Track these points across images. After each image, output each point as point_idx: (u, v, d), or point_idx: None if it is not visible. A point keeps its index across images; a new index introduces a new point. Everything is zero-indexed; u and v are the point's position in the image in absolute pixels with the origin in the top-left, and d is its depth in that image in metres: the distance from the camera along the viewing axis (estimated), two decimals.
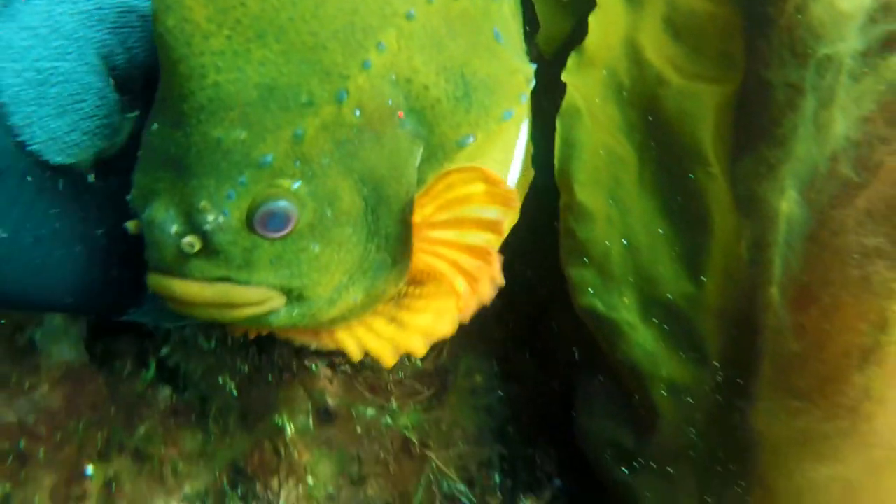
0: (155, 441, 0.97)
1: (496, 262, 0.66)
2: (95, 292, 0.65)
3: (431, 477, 0.94)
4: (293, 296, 0.59)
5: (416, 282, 0.69)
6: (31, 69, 0.58)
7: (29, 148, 0.59)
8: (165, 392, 0.98)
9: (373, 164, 0.59)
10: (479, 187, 0.63)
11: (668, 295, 0.83)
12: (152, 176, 0.56)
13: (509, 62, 0.73)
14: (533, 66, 0.75)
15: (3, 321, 0.92)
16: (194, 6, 0.53)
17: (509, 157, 0.78)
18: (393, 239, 0.62)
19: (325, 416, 0.95)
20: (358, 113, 0.58)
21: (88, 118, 0.61)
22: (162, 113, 0.57)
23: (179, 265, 0.56)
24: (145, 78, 0.64)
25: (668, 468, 0.88)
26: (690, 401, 0.85)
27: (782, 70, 0.76)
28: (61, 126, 0.60)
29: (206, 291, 0.57)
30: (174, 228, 0.55)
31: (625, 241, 0.84)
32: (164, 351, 0.96)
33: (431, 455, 0.91)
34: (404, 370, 0.97)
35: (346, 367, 1.00)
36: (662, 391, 0.85)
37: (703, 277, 0.81)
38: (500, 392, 1.01)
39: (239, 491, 1.00)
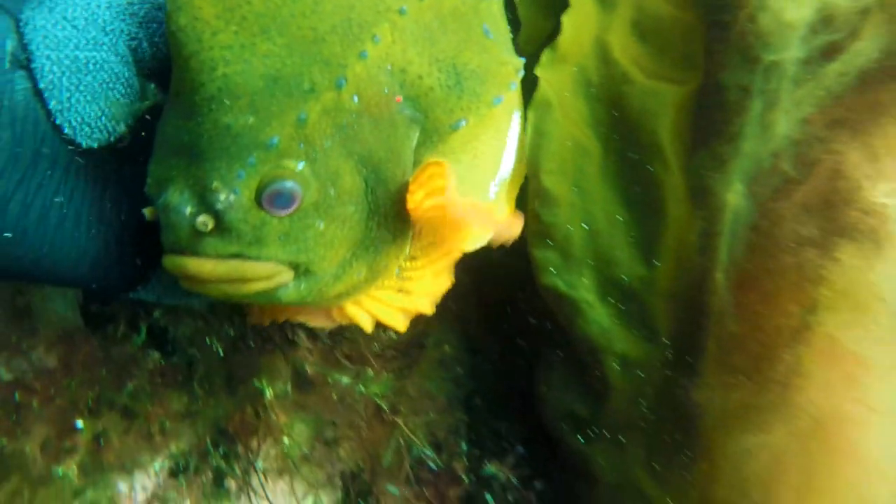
0: (143, 401, 1.03)
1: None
2: (110, 270, 0.69)
3: (401, 441, 1.00)
4: (301, 270, 0.63)
5: (413, 257, 0.75)
6: (69, 57, 0.62)
7: (63, 132, 0.63)
8: (155, 355, 1.03)
9: (371, 146, 0.64)
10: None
11: (623, 276, 0.89)
12: (166, 165, 0.60)
13: (498, 55, 0.79)
14: (522, 60, 0.82)
15: None
16: (203, 5, 0.58)
17: (502, 144, 0.84)
18: (392, 217, 0.67)
19: (303, 382, 1.01)
20: (356, 99, 0.63)
21: (116, 105, 0.65)
22: (175, 106, 0.61)
23: (194, 244, 0.60)
24: (165, 71, 0.67)
25: (620, 437, 0.95)
26: (641, 375, 0.91)
27: (734, 73, 0.82)
28: (92, 112, 0.64)
29: (219, 268, 0.61)
30: (188, 210, 0.59)
31: (586, 226, 0.90)
32: (155, 315, 1.01)
33: (400, 421, 0.97)
34: (380, 342, 1.04)
35: (326, 339, 1.06)
36: (616, 365, 0.92)
37: (656, 262, 0.88)
38: (469, 365, 1.07)
39: (221, 450, 1.06)
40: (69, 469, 0.96)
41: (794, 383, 0.77)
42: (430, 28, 0.71)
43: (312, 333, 1.06)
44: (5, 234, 0.62)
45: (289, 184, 0.59)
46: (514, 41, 0.89)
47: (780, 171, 0.80)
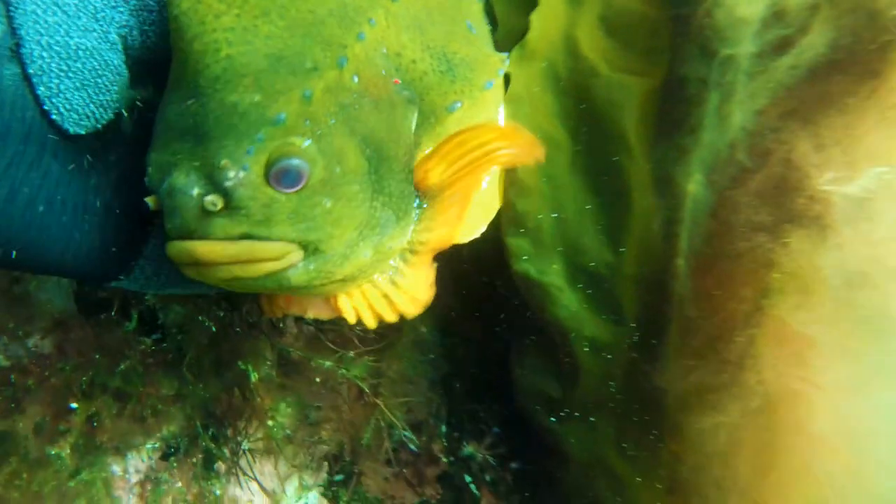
0: (136, 385, 1.07)
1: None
2: (92, 259, 0.69)
3: (382, 423, 1.04)
4: (310, 249, 0.63)
5: (411, 250, 0.75)
6: (58, 44, 0.62)
7: (51, 118, 0.63)
8: (146, 341, 1.08)
9: (373, 126, 0.65)
10: (491, 133, 0.73)
11: (591, 263, 0.93)
12: (170, 150, 0.60)
13: (483, 49, 0.82)
14: (504, 54, 0.85)
15: None
16: None
17: None
18: (396, 197, 0.67)
19: (287, 366, 1.06)
20: (356, 79, 0.64)
21: (104, 92, 0.65)
22: (176, 91, 0.61)
23: (202, 226, 0.59)
24: (154, 60, 0.68)
25: (590, 417, 0.99)
26: (610, 357, 0.95)
27: (694, 66, 0.86)
28: (80, 98, 0.64)
29: (228, 249, 0.60)
30: (196, 191, 0.58)
31: (555, 215, 0.94)
32: (146, 303, 1.06)
33: (381, 403, 1.01)
34: (361, 327, 1.08)
35: (311, 325, 1.10)
36: (585, 348, 0.96)
37: (622, 248, 0.91)
38: (447, 349, 1.11)
39: (210, 433, 1.10)
40: (63, 450, 1.00)
41: (747, 364, 0.80)
42: (419, 18, 0.73)
43: (296, 319, 1.10)
44: None
45: (296, 161, 0.59)
46: (493, 39, 0.92)
47: (737, 161, 0.83)
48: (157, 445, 1.10)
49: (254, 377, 1.01)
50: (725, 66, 0.83)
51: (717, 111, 0.84)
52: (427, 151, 0.76)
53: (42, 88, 0.62)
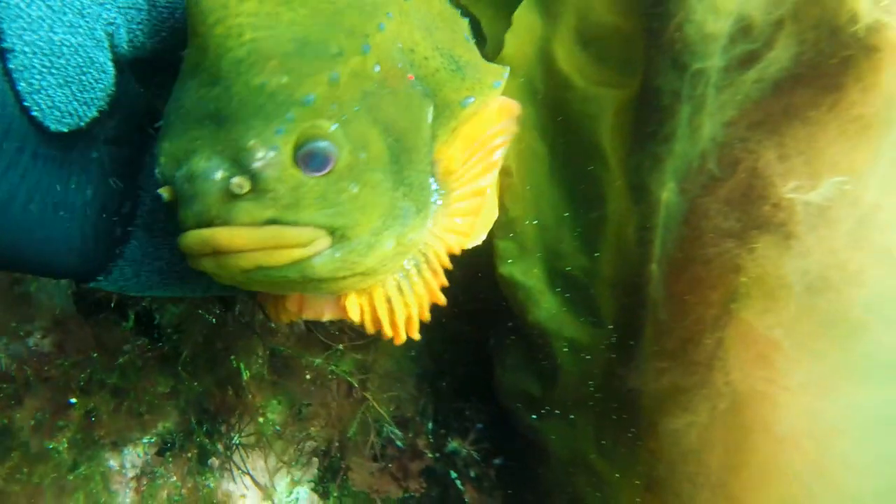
0: (133, 382, 1.11)
1: None
2: (71, 259, 0.67)
3: (369, 418, 1.08)
4: (337, 236, 0.60)
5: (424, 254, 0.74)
6: (42, 39, 0.60)
7: (31, 114, 0.61)
8: (143, 340, 1.11)
9: (393, 116, 0.64)
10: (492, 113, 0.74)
11: (568, 267, 0.96)
12: (186, 137, 0.58)
13: (481, 57, 0.86)
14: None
15: None
16: None
17: None
18: (416, 188, 0.67)
19: (278, 364, 1.09)
20: (378, 69, 0.63)
21: (87, 90, 0.63)
22: (193, 78, 0.60)
23: (225, 212, 0.56)
24: (141, 59, 0.68)
25: (570, 415, 1.03)
26: (588, 358, 0.99)
27: (667, 79, 0.89)
28: (63, 95, 0.61)
29: (254, 235, 0.57)
30: (219, 174, 0.56)
31: (536, 222, 0.97)
32: (143, 304, 1.09)
33: (369, 396, 1.05)
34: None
35: (301, 325, 1.14)
36: (565, 349, 0.99)
37: (597, 253, 0.95)
38: (435, 349, 1.15)
39: (204, 428, 1.14)
40: (60, 444, 1.04)
41: (716, 366, 0.84)
42: (426, 20, 0.76)
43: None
44: None
45: (324, 143, 0.57)
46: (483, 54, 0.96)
47: (707, 170, 0.87)
48: (153, 441, 1.14)
49: (245, 375, 1.05)
50: (696, 79, 0.86)
51: (689, 122, 0.88)
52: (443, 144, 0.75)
53: (23, 84, 0.60)
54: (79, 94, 0.62)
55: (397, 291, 0.72)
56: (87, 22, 0.62)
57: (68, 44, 0.61)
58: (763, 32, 0.82)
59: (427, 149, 0.69)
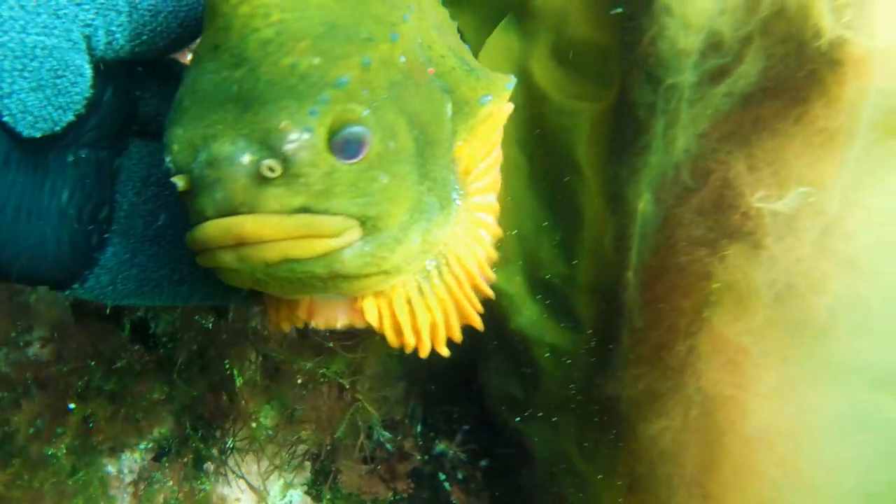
0: (129, 388, 1.14)
1: None
2: (45, 266, 0.65)
3: (359, 420, 1.11)
4: (368, 227, 0.58)
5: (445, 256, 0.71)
6: (13, 41, 0.58)
7: (2, 119, 0.58)
8: (139, 348, 1.14)
9: (418, 108, 0.63)
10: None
11: (548, 275, 0.99)
12: (204, 122, 0.55)
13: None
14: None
15: None
16: None
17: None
18: (439, 183, 0.65)
19: (270, 369, 1.12)
20: (403, 59, 0.62)
21: (62, 94, 0.61)
22: (211, 61, 0.57)
23: (252, 198, 0.53)
24: (119, 62, 0.65)
25: (553, 418, 1.06)
26: (569, 362, 1.02)
27: (642, 93, 0.92)
28: (36, 100, 0.59)
29: (285, 223, 0.54)
30: (247, 158, 0.53)
31: (516, 231, 1.00)
32: (139, 313, 1.12)
33: (360, 398, 1.08)
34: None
35: (294, 332, 1.17)
36: (546, 353, 1.02)
37: (575, 261, 0.98)
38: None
39: (199, 434, 1.17)
40: (59, 451, 1.07)
41: (688, 372, 0.87)
42: (438, 21, 0.77)
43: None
44: None
45: (358, 128, 0.55)
46: None
47: (681, 181, 0.90)
48: (149, 446, 1.17)
49: (239, 381, 1.08)
50: (670, 93, 0.89)
51: (664, 135, 0.91)
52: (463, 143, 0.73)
53: None
54: (54, 99, 0.60)
55: (418, 293, 0.68)
56: (63, 23, 0.60)
57: (42, 46, 0.58)
58: (732, 48, 0.84)
59: (448, 144, 0.67)
